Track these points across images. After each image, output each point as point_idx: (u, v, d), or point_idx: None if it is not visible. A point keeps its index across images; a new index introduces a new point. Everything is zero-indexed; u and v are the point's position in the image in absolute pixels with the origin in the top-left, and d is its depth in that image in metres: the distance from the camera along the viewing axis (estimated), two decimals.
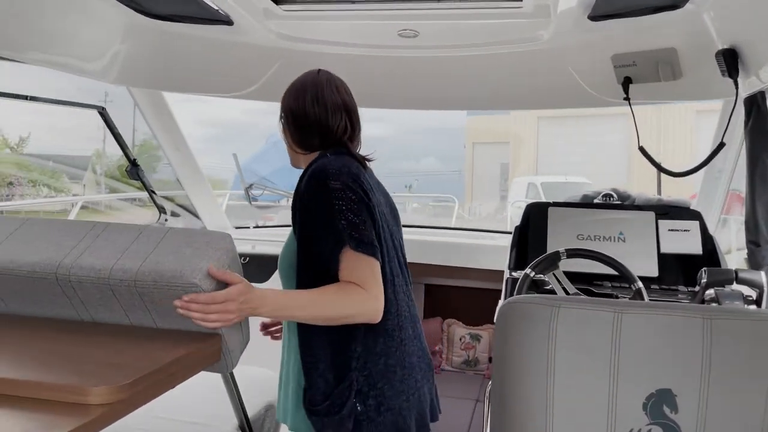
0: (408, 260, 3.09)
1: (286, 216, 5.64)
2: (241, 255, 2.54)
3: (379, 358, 1.47)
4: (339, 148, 1.58)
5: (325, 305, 1.38)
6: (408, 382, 1.52)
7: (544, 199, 3.24)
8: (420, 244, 3.12)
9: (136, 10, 2.05)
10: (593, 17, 1.99)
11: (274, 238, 3.23)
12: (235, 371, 1.95)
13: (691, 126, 16.69)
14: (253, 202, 3.36)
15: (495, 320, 1.25)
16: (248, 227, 3.51)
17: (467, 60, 2.39)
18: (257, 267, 2.50)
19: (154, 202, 2.82)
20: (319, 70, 1.72)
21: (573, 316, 1.11)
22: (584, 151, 17.93)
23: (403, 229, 3.48)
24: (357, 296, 1.39)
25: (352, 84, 2.72)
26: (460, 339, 3.70)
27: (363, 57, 2.45)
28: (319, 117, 1.60)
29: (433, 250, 3.04)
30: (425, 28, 2.21)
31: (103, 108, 2.42)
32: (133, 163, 2.64)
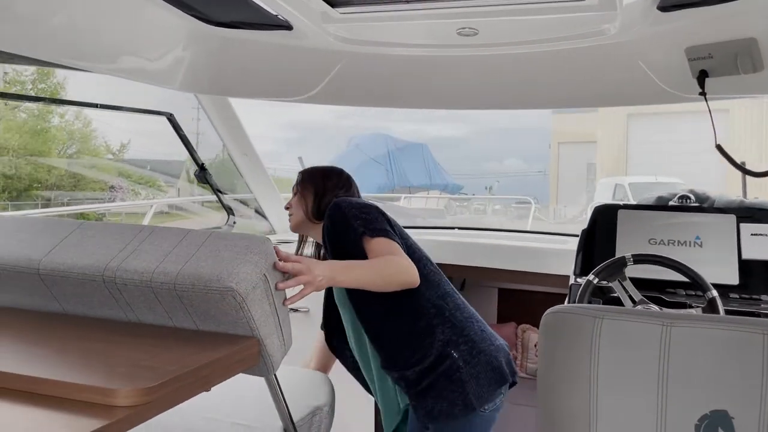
0: (480, 264, 3.06)
1: None
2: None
3: (454, 312, 1.77)
4: None
5: (374, 265, 1.63)
6: (486, 331, 1.81)
7: (632, 201, 3.08)
8: (493, 248, 3.05)
9: (198, 18, 2.11)
10: (663, 8, 1.87)
11: None
12: (284, 373, 1.96)
13: None
14: None
15: (539, 329, 1.19)
16: None
17: (529, 57, 2.31)
18: None
19: (222, 204, 2.90)
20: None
21: (617, 329, 1.04)
22: (678, 150, 17.07)
23: (479, 232, 3.43)
24: (392, 258, 1.66)
25: (412, 85, 2.70)
26: (535, 345, 3.62)
27: (422, 57, 2.41)
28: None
29: (506, 253, 2.97)
30: (484, 25, 2.14)
31: (171, 114, 2.51)
32: (201, 167, 2.73)
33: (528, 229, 6.21)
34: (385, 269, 1.62)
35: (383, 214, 1.79)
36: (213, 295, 1.22)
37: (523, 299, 3.52)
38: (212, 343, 1.23)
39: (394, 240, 1.70)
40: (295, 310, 2.44)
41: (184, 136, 2.62)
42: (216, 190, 2.81)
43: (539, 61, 2.33)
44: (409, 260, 1.68)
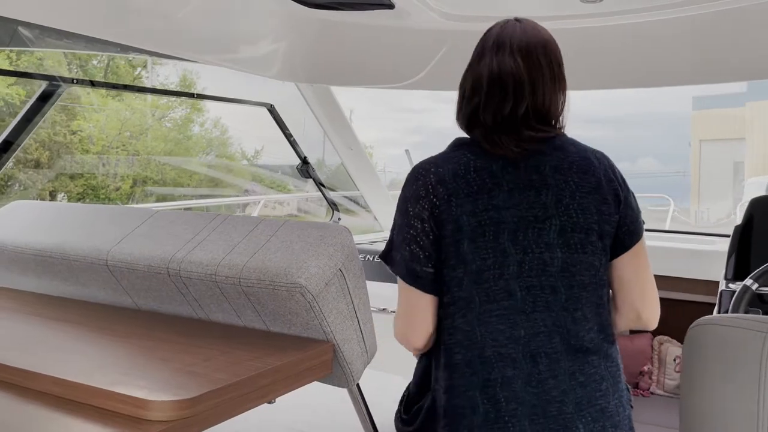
0: None
1: None
2: (375, 253, 2.38)
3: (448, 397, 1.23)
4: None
5: None
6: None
7: None
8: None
9: (294, 0, 1.99)
10: None
11: None
12: (379, 379, 1.78)
13: None
14: None
15: (683, 345, 0.91)
16: None
17: (667, 25, 1.97)
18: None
19: (326, 199, 2.79)
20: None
21: None
22: None
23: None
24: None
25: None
26: (675, 359, 3.22)
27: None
28: None
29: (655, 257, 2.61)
30: None
31: (272, 105, 2.43)
32: (304, 161, 2.63)
33: (668, 224, 5.64)
34: None
35: (404, 216, 1.28)
36: (280, 291, 1.06)
37: (662, 307, 3.12)
38: (279, 347, 1.07)
39: (398, 275, 1.29)
40: (383, 310, 2.26)
41: (286, 128, 2.53)
42: (319, 185, 2.70)
43: (672, 28, 1.98)
44: (400, 316, 1.30)
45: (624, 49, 2.15)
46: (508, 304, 1.19)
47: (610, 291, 1.29)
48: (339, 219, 2.82)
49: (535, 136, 1.24)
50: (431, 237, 1.23)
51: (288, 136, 2.56)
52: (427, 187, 1.23)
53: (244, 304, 1.12)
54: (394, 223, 1.30)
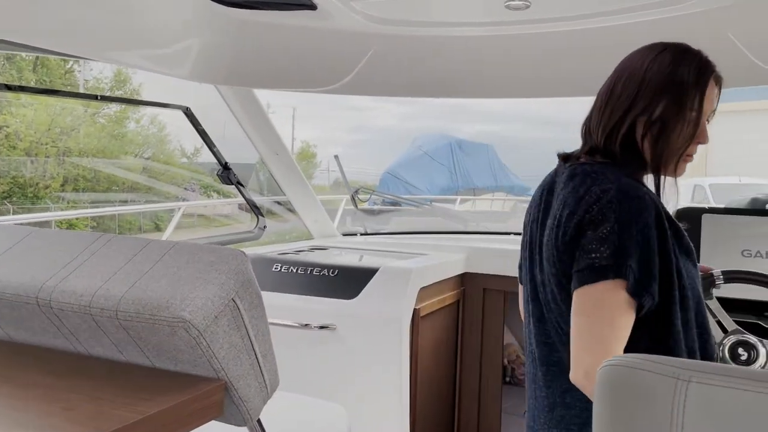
0: None
1: (400, 223, 5.36)
2: (331, 267, 2.28)
3: None
4: None
5: None
6: None
7: (713, 204, 2.63)
8: None
9: None
10: None
11: (380, 247, 2.95)
12: (296, 405, 1.68)
13: None
14: (360, 208, 3.12)
15: (595, 386, 0.85)
16: (355, 234, 3.26)
17: (591, 34, 1.94)
18: (346, 280, 2.23)
19: (251, 207, 2.66)
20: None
21: (715, 399, 0.69)
22: (763, 149, 15.88)
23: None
24: None
25: (455, 70, 2.38)
26: None
27: (465, 38, 2.08)
28: None
29: None
30: None
31: (188, 108, 2.29)
32: (225, 167, 2.49)
33: None
34: None
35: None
36: (161, 327, 0.94)
37: None
38: (162, 387, 0.95)
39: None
40: (324, 327, 2.16)
41: (203, 131, 2.38)
42: (241, 192, 2.57)
43: (605, 37, 1.96)
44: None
45: (548, 58, 2.12)
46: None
47: None
48: (264, 227, 2.70)
49: None
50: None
51: (207, 140, 2.42)
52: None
53: (125, 339, 1.00)
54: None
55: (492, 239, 3.13)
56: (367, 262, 2.53)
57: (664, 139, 1.22)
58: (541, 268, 1.26)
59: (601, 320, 1.10)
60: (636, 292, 1.10)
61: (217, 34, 2.01)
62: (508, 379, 3.66)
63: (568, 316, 1.17)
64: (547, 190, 1.33)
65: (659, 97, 1.22)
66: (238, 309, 1.01)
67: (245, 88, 2.43)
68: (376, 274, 2.21)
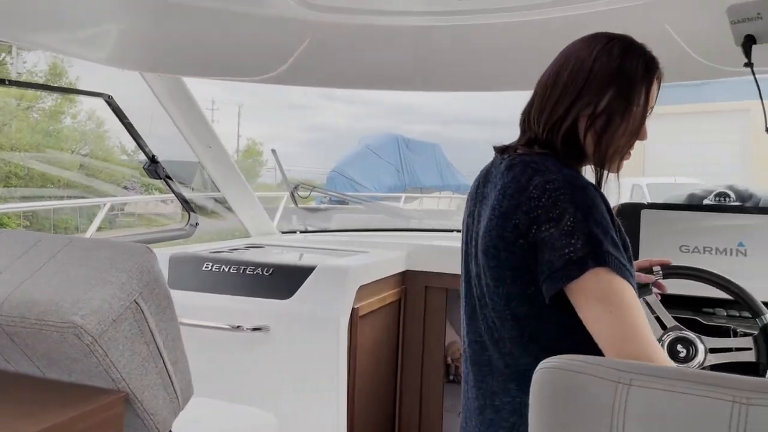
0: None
1: (344, 221, 5.28)
2: (266, 266, 2.17)
3: None
4: None
5: None
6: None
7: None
8: None
9: None
10: None
11: (320, 245, 2.85)
12: (222, 414, 1.57)
13: None
14: (302, 206, 3.02)
15: (530, 388, 0.79)
16: (295, 232, 3.15)
17: (530, 26, 1.90)
18: (281, 280, 2.12)
19: (181, 202, 2.52)
20: None
21: (656, 403, 0.63)
22: (697, 151, 16.50)
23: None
24: None
25: (395, 62, 2.31)
26: None
27: (410, 28, 2.01)
28: None
29: None
30: None
31: (110, 96, 2.14)
32: (152, 160, 2.35)
33: None
34: None
35: None
36: (49, 333, 0.83)
37: None
38: (51, 402, 0.84)
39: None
40: (257, 329, 2.05)
41: (129, 123, 2.24)
42: (170, 187, 2.43)
43: (543, 29, 1.92)
44: None
45: (493, 49, 2.07)
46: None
47: None
48: (196, 224, 2.56)
49: None
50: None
51: (133, 132, 2.27)
52: None
53: (10, 347, 0.88)
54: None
55: (434, 236, 3.08)
56: (305, 260, 2.43)
57: (609, 134, 1.18)
58: (476, 261, 1.21)
59: (618, 307, 1.02)
60: (624, 276, 1.04)
61: (138, 17, 1.87)
62: (452, 377, 3.63)
63: (505, 312, 1.12)
64: (482, 182, 1.28)
65: (606, 90, 1.17)
66: (142, 312, 0.90)
67: (173, 77, 2.29)
68: (313, 272, 2.12)
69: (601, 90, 1.17)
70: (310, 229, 3.19)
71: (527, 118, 1.25)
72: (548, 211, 1.06)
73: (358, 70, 2.21)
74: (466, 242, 1.28)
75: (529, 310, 1.10)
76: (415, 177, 14.58)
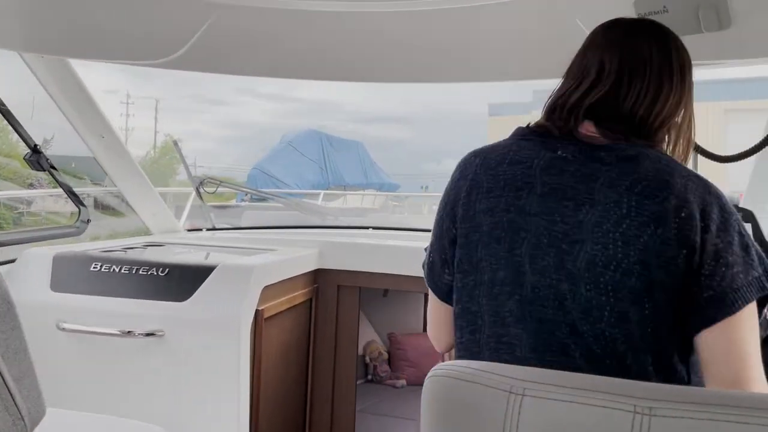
0: (403, 272, 2.56)
1: (257, 217, 5.13)
2: (161, 265, 2.01)
3: None
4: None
5: None
6: None
7: None
8: (417, 251, 2.57)
9: None
10: None
11: (227, 243, 2.70)
12: (102, 428, 1.42)
13: (717, 128, 15.74)
14: (216, 203, 2.86)
15: (422, 396, 0.71)
16: (201, 230, 2.98)
17: (445, 15, 1.83)
18: (178, 280, 1.97)
19: (69, 196, 2.31)
20: None
21: (551, 415, 0.56)
22: None
23: (398, 232, 2.75)
24: None
25: (304, 50, 2.19)
26: None
27: (315, 14, 1.90)
28: None
29: None
30: None
31: None
32: (35, 150, 2.13)
33: None
34: None
35: (440, 205, 1.16)
36: None
37: None
38: None
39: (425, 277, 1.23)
40: (150, 335, 1.89)
41: (6, 110, 2.02)
42: (56, 179, 2.22)
43: (459, 20, 1.86)
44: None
45: (387, 40, 1.99)
46: (516, 332, 0.96)
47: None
48: (88, 220, 2.36)
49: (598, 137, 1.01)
50: (451, 237, 1.08)
51: (11, 120, 2.05)
52: (459, 179, 1.10)
53: None
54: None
55: (348, 234, 2.99)
56: (206, 259, 2.28)
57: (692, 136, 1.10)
58: (563, 273, 0.95)
59: (756, 336, 0.93)
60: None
61: None
62: (369, 377, 3.55)
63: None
64: (543, 169, 1.01)
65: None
66: None
67: (60, 61, 2.09)
68: (213, 272, 1.98)
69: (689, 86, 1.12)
70: (218, 226, 3.03)
71: (617, 104, 1.04)
72: (726, 218, 0.94)
73: (261, 56, 2.08)
74: (531, 248, 0.99)
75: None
76: (339, 175, 14.51)
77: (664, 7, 1.60)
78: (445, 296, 1.12)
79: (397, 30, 1.95)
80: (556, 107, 1.08)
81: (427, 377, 0.67)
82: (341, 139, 15.90)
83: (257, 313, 2.01)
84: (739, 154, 1.50)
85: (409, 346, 3.54)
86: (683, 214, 0.91)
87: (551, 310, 0.93)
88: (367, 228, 3.10)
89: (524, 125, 1.13)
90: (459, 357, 1.01)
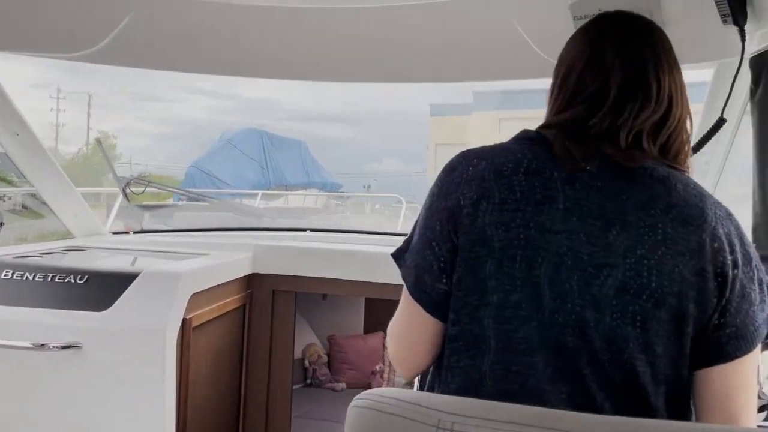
0: (342, 276, 2.49)
1: (191, 219, 4.97)
2: (80, 272, 1.89)
3: None
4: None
5: None
6: None
7: None
8: (356, 255, 2.51)
9: None
10: None
11: (155, 247, 2.57)
12: None
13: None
14: (132, 203, 2.72)
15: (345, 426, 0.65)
16: (128, 233, 2.84)
17: (365, 15, 1.78)
18: (98, 288, 1.85)
19: None
20: None
21: None
22: None
23: (338, 235, 2.65)
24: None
25: (222, 46, 2.07)
26: None
27: (241, 8, 1.81)
28: None
29: (371, 262, 2.42)
30: None
31: None
32: None
33: (399, 229, 5.77)
34: None
35: (429, 206, 1.02)
36: None
37: (393, 308, 3.03)
38: None
39: (405, 272, 1.04)
40: (66, 347, 1.77)
41: None
42: None
43: (384, 20, 1.81)
44: (391, 337, 1.08)
45: (321, 38, 1.92)
46: (530, 361, 0.86)
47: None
48: (1, 223, 2.19)
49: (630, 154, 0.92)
50: (449, 245, 0.95)
51: None
52: (460, 181, 0.96)
53: None
54: (417, 218, 1.03)
55: (285, 236, 2.91)
56: (131, 265, 2.16)
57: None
58: (588, 299, 0.87)
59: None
60: None
61: None
62: (309, 381, 3.48)
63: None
64: (565, 182, 0.92)
65: None
66: None
67: None
68: (137, 279, 1.86)
69: None
70: (150, 228, 2.88)
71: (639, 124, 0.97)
72: (746, 253, 0.92)
73: (185, 51, 1.98)
74: (557, 271, 0.90)
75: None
76: (280, 174, 14.30)
77: (600, 10, 1.58)
78: (437, 309, 0.97)
79: (328, 27, 1.88)
80: (573, 134, 0.97)
81: (350, 406, 0.61)
82: (282, 137, 15.69)
83: (185, 321, 1.90)
84: None
85: (349, 348, 3.49)
86: (716, 245, 0.88)
87: (571, 338, 0.86)
88: (305, 230, 3.02)
89: (531, 129, 1.02)
90: (452, 383, 0.91)
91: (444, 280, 0.96)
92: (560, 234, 0.89)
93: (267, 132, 15.06)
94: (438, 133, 21.66)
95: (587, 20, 1.60)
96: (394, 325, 1.05)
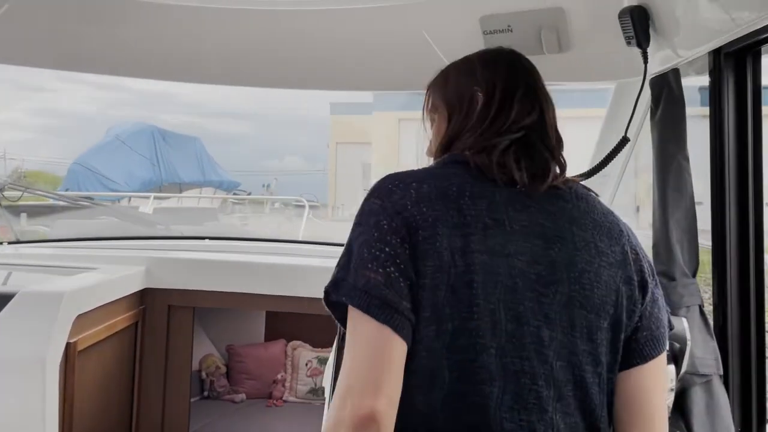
0: (242, 290, 2.34)
1: (69, 224, 4.62)
2: None
3: None
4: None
5: None
6: None
7: None
8: (257, 268, 2.40)
9: None
10: None
11: (35, 261, 2.34)
12: None
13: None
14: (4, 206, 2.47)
15: None
16: (1, 243, 2.57)
17: (288, 21, 1.70)
18: None
19: None
20: None
21: None
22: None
23: (237, 243, 2.51)
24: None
25: (96, 43, 1.88)
26: (306, 364, 3.16)
27: (121, 4, 1.66)
28: None
29: (273, 275, 2.32)
30: None
31: None
32: None
33: (301, 233, 5.67)
34: None
35: (376, 224, 0.90)
36: None
37: (295, 316, 2.96)
38: None
39: (353, 297, 0.87)
40: None
41: None
42: None
43: (299, 26, 1.73)
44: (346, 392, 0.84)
45: (250, 45, 1.82)
46: (489, 390, 0.84)
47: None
48: None
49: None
50: (412, 264, 0.86)
51: None
52: (407, 203, 0.88)
53: None
54: (350, 242, 0.90)
55: (181, 246, 2.74)
56: (4, 283, 1.94)
57: None
58: (542, 318, 0.88)
59: None
60: None
61: None
62: (206, 393, 3.31)
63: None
64: (507, 204, 0.92)
65: None
66: None
67: None
68: (12, 301, 1.67)
69: None
70: (23, 239, 2.62)
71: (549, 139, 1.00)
72: (651, 265, 0.99)
73: (67, 47, 1.81)
74: (512, 297, 0.88)
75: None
76: (173, 172, 13.71)
77: (509, 26, 1.59)
78: (405, 329, 0.85)
79: (228, 29, 1.78)
80: (483, 148, 0.96)
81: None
82: (176, 133, 15.06)
83: (68, 346, 1.73)
84: (580, 174, 1.53)
85: (249, 357, 3.36)
86: (634, 256, 0.95)
87: (528, 361, 0.85)
88: (204, 238, 2.86)
89: (459, 153, 0.98)
90: (403, 422, 0.83)
91: (409, 299, 0.86)
92: (510, 257, 0.88)
93: (159, 128, 14.39)
94: (338, 132, 21.64)
95: (499, 35, 1.61)
96: (350, 367, 0.84)
